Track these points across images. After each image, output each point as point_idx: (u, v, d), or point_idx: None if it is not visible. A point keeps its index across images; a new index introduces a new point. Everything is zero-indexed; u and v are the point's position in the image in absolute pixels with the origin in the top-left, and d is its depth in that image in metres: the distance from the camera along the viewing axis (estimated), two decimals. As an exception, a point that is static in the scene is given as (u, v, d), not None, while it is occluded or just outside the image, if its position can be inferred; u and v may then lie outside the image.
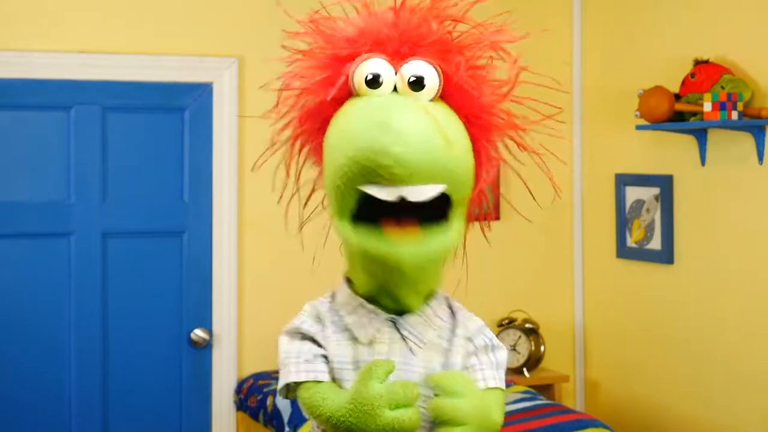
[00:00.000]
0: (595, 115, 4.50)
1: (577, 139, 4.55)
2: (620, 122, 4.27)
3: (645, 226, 4.19)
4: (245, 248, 4.14)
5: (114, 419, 4.00)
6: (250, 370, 4.14)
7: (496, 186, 1.73)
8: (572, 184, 4.58)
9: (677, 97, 3.84)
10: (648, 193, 4.17)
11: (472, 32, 1.58)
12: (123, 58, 3.97)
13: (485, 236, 1.72)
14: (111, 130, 3.97)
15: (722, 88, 3.64)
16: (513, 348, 4.35)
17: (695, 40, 3.90)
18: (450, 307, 1.68)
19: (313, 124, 1.63)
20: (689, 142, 3.95)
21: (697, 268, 3.94)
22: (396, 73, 1.53)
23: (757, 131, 3.63)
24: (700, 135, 3.87)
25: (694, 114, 3.78)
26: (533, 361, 4.35)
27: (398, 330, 1.60)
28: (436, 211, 1.51)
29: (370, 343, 1.58)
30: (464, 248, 1.68)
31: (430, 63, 1.53)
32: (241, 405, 4.04)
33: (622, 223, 4.32)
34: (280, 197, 1.72)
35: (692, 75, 3.77)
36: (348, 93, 1.56)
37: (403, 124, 1.45)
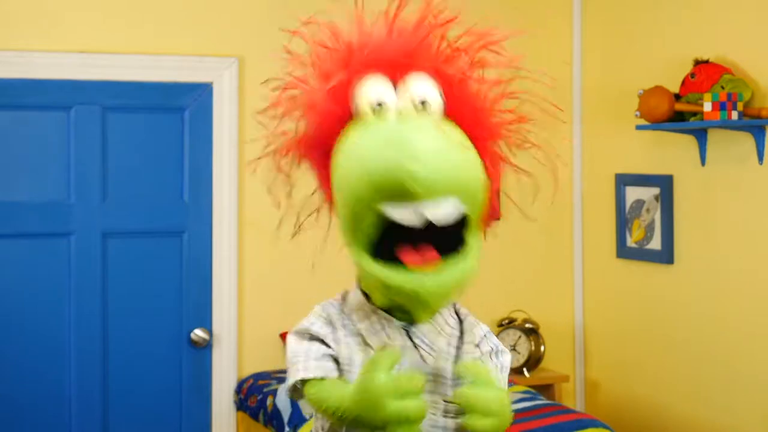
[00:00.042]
0: (595, 115, 4.50)
1: (577, 139, 4.54)
2: (620, 122, 4.26)
3: (645, 226, 4.19)
4: (245, 248, 4.14)
5: (114, 419, 4.00)
6: (250, 370, 4.14)
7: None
8: (572, 184, 4.58)
9: (677, 97, 3.84)
10: (648, 193, 4.16)
11: (466, 37, 1.58)
12: (123, 58, 3.97)
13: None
14: (111, 130, 3.97)
15: (722, 88, 3.64)
16: (513, 348, 4.35)
17: (695, 40, 3.90)
18: (457, 314, 1.69)
19: (314, 148, 1.63)
20: (689, 142, 3.95)
21: (697, 268, 3.94)
22: (397, 91, 1.53)
23: (757, 131, 3.63)
24: (700, 135, 3.87)
25: (694, 114, 3.78)
26: (533, 361, 4.35)
27: (410, 338, 1.61)
28: (452, 234, 1.51)
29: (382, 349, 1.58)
30: None
31: (431, 79, 1.54)
32: (241, 405, 4.04)
33: (622, 223, 4.32)
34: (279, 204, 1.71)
35: (692, 75, 3.77)
36: (347, 112, 1.56)
37: (418, 140, 1.45)
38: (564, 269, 4.63)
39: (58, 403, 3.92)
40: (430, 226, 1.48)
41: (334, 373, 1.58)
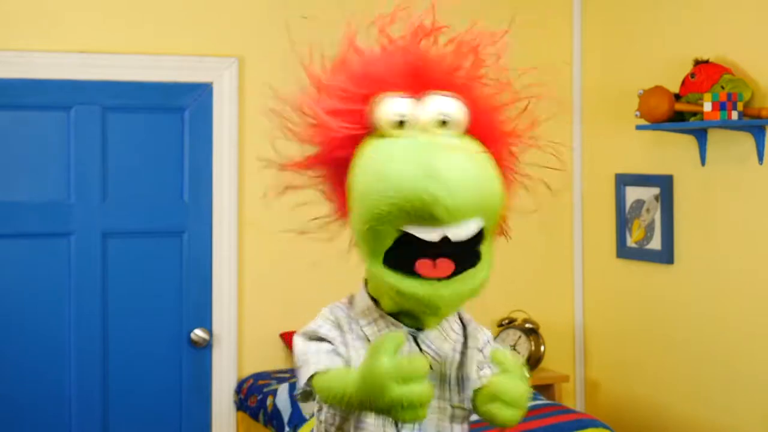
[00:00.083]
0: (595, 115, 4.50)
1: (577, 139, 4.54)
2: (620, 122, 4.26)
3: (645, 226, 4.19)
4: (245, 248, 4.14)
5: (114, 419, 4.00)
6: (250, 370, 4.14)
7: None
8: (572, 184, 4.58)
9: (677, 97, 3.84)
10: (648, 193, 4.16)
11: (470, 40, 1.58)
12: (123, 58, 3.97)
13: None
14: (111, 130, 3.97)
15: (722, 88, 3.64)
16: (513, 348, 4.35)
17: (695, 40, 3.90)
18: (461, 320, 1.70)
19: (329, 162, 1.62)
20: (689, 142, 3.95)
21: (697, 268, 3.94)
22: (419, 109, 1.52)
23: (757, 131, 3.63)
24: (700, 135, 3.87)
25: (694, 114, 3.78)
26: (533, 361, 4.35)
27: (417, 344, 1.61)
28: (468, 243, 1.52)
29: None
30: None
31: (453, 97, 1.53)
32: (241, 405, 4.04)
33: (622, 223, 4.32)
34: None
35: (692, 75, 3.77)
36: (363, 130, 1.55)
37: (448, 168, 1.45)
38: (564, 269, 4.63)
39: (58, 403, 3.92)
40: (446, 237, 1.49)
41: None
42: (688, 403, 4.00)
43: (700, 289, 3.93)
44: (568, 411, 3.67)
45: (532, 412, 3.61)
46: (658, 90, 3.86)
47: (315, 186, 1.67)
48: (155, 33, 4.03)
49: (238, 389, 4.08)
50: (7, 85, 3.84)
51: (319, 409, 1.68)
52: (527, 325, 4.38)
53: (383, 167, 1.50)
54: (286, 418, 3.68)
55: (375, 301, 1.63)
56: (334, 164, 1.60)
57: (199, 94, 4.08)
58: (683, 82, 3.82)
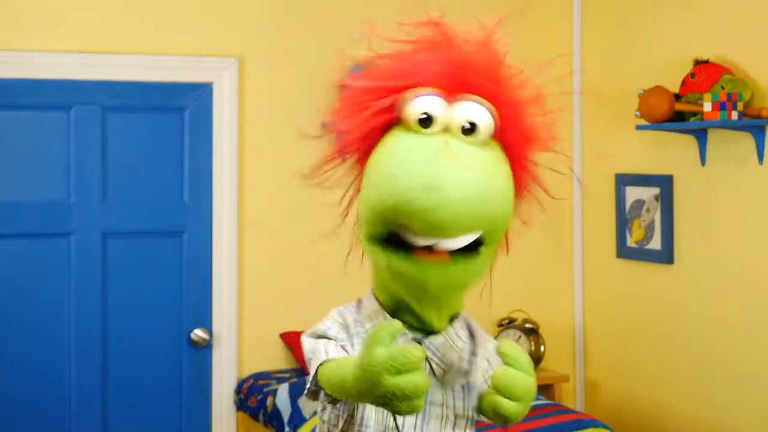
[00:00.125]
0: (595, 115, 4.50)
1: (577, 139, 4.54)
2: (620, 122, 4.26)
3: (645, 226, 4.19)
4: (245, 248, 4.14)
5: (114, 419, 4.00)
6: (250, 370, 4.14)
7: None
8: (572, 184, 4.57)
9: (677, 97, 3.84)
10: (648, 193, 4.16)
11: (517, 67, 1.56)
12: (123, 58, 3.97)
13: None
14: (111, 130, 3.97)
15: (722, 88, 3.64)
16: (513, 348, 4.35)
17: (695, 40, 3.90)
18: (469, 328, 1.68)
19: (362, 146, 1.61)
20: (689, 142, 3.95)
21: (697, 268, 3.94)
22: (449, 110, 1.51)
23: (757, 131, 3.63)
24: (700, 135, 3.87)
25: (694, 114, 3.78)
26: (533, 361, 4.34)
27: None
28: (467, 247, 1.51)
29: None
30: None
31: (484, 104, 1.51)
32: (241, 405, 4.04)
33: (622, 223, 4.32)
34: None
35: (692, 75, 3.77)
36: (395, 119, 1.54)
37: (449, 181, 1.43)
38: (564, 269, 4.63)
39: (58, 403, 3.92)
40: None
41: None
42: (688, 403, 4.00)
43: (700, 289, 3.93)
44: (568, 411, 3.67)
45: (532, 412, 3.60)
46: (658, 90, 3.86)
47: (342, 173, 1.65)
48: (155, 33, 4.03)
49: (238, 389, 4.08)
50: (7, 85, 3.84)
51: (323, 409, 1.68)
52: (527, 325, 4.38)
53: (389, 166, 1.49)
54: (286, 418, 3.68)
55: (382, 304, 1.62)
56: (363, 152, 1.60)
57: (199, 94, 4.08)
58: (683, 82, 3.82)
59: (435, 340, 1.59)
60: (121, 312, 3.99)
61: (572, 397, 4.60)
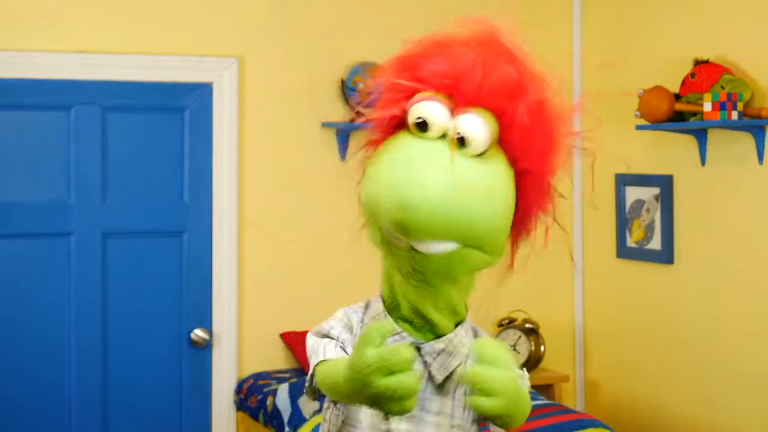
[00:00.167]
0: (595, 115, 4.49)
1: (577, 139, 4.53)
2: (620, 122, 4.26)
3: (645, 226, 4.19)
4: (245, 248, 4.14)
5: (114, 419, 4.00)
6: (250, 370, 4.14)
7: None
8: (572, 184, 4.57)
9: (677, 97, 3.84)
10: (648, 193, 4.16)
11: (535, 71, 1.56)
12: (123, 58, 3.97)
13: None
14: (111, 130, 3.97)
15: (722, 88, 3.64)
16: (513, 348, 4.35)
17: (695, 40, 3.90)
18: (476, 336, 1.67)
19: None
20: (689, 142, 3.95)
21: (697, 268, 3.94)
22: (449, 119, 1.50)
23: (757, 131, 3.63)
24: (700, 135, 3.87)
25: (694, 114, 3.78)
26: (533, 361, 4.35)
27: (421, 355, 1.58)
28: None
29: None
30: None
31: (482, 119, 1.50)
32: (241, 405, 4.04)
33: (622, 223, 4.32)
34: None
35: (692, 75, 3.77)
36: (400, 122, 1.56)
37: (414, 186, 1.45)
38: (564, 269, 4.62)
39: (58, 403, 3.92)
40: None
41: None
42: (688, 403, 4.00)
43: (700, 289, 3.93)
44: (568, 411, 3.67)
45: (532, 412, 3.60)
46: (658, 90, 3.86)
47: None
48: (155, 33, 4.03)
49: (238, 389, 4.08)
50: (7, 85, 3.84)
51: (327, 408, 1.67)
52: (527, 325, 4.38)
53: (379, 165, 1.52)
54: (286, 418, 3.68)
55: (386, 305, 1.62)
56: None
57: (199, 94, 4.08)
58: (683, 82, 3.82)
59: (435, 346, 1.58)
60: (121, 312, 3.99)
61: (572, 397, 4.60)
